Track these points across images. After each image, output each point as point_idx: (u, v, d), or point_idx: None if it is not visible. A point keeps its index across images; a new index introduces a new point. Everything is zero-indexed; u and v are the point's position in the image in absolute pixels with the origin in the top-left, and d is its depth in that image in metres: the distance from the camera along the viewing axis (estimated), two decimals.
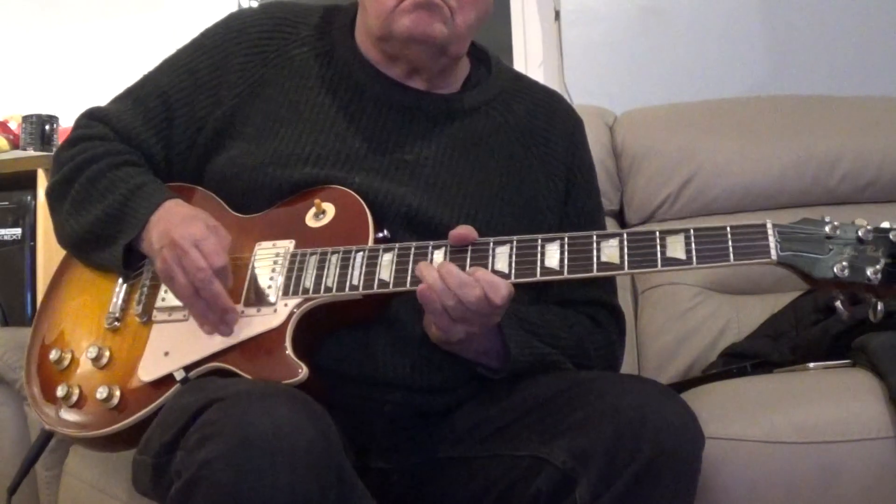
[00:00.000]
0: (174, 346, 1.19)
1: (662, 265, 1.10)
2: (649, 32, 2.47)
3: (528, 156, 1.38)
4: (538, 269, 1.13)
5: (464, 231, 1.17)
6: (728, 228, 1.09)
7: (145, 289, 1.26)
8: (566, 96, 1.53)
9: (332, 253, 1.20)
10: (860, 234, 1.06)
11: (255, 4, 2.99)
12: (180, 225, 1.19)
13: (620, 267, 1.11)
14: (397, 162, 1.30)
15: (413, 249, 1.18)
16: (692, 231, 1.10)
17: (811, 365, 1.52)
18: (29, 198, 2.36)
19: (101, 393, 1.19)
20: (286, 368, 1.13)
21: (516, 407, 1.20)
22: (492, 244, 1.16)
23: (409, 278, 1.16)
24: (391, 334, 1.23)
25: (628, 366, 1.64)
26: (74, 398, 1.21)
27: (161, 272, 1.20)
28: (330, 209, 1.25)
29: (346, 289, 1.17)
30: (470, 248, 1.16)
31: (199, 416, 1.01)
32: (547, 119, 1.42)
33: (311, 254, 1.21)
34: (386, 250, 1.18)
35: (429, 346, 1.21)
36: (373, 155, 1.29)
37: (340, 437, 1.05)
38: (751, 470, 1.27)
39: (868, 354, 1.39)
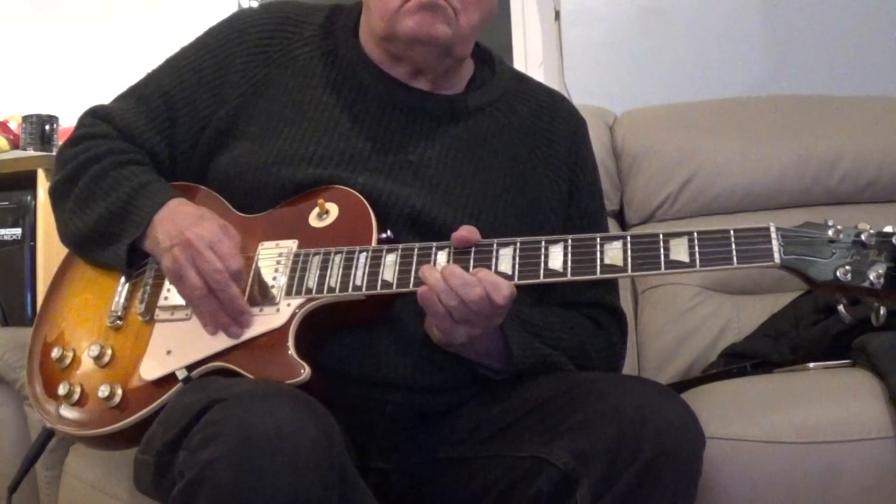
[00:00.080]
0: (176, 345, 1.19)
1: (666, 268, 1.10)
2: (649, 32, 2.47)
3: (532, 157, 1.38)
4: (541, 271, 1.13)
5: (466, 234, 1.17)
6: (732, 232, 1.09)
7: (148, 287, 1.26)
8: (566, 96, 1.52)
9: (336, 253, 1.20)
10: (863, 238, 1.06)
11: (255, 4, 2.99)
12: (194, 225, 1.19)
13: (624, 269, 1.11)
14: (401, 162, 1.30)
15: (416, 250, 1.18)
16: (696, 234, 1.11)
17: (811, 365, 1.53)
18: (29, 198, 2.36)
19: (103, 391, 1.19)
20: (288, 368, 1.13)
21: (517, 407, 1.20)
22: (495, 245, 1.16)
23: (412, 279, 1.16)
24: (393, 334, 1.22)
25: (628, 366, 1.64)
26: (76, 396, 1.21)
27: (170, 271, 1.19)
28: (333, 209, 1.25)
29: (350, 289, 1.17)
30: (473, 249, 1.16)
31: (201, 416, 1.01)
32: (550, 120, 1.42)
33: (315, 254, 1.21)
34: (389, 251, 1.18)
35: (430, 346, 1.21)
36: (376, 155, 1.29)
37: (342, 436, 1.05)
38: (751, 470, 1.27)
39: (868, 354, 1.39)
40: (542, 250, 1.14)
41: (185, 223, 1.20)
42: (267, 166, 1.28)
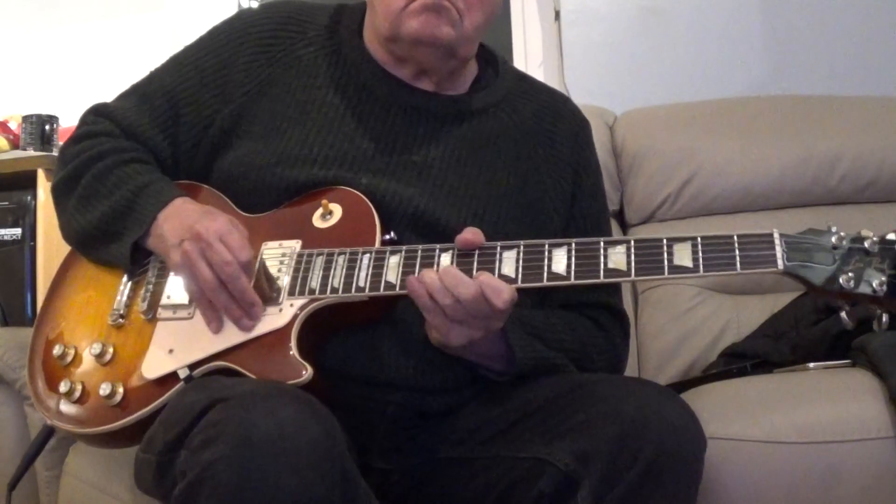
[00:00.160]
0: (178, 343, 1.19)
1: (669, 272, 1.10)
2: (649, 32, 2.47)
3: (535, 157, 1.38)
4: (545, 275, 1.13)
5: (470, 236, 1.16)
6: (735, 237, 1.10)
7: (150, 286, 1.26)
8: (567, 96, 1.53)
9: (339, 254, 1.20)
10: (866, 245, 1.06)
11: (255, 4, 2.99)
12: (202, 219, 1.19)
13: (627, 273, 1.11)
14: (405, 163, 1.30)
15: (420, 252, 1.17)
16: (699, 239, 1.11)
17: (811, 365, 1.53)
18: (29, 198, 2.36)
19: (104, 389, 1.19)
20: (291, 368, 1.13)
21: (518, 408, 1.19)
22: (499, 248, 1.16)
23: None
24: (396, 335, 1.22)
25: (628, 366, 1.64)
26: (77, 394, 1.21)
27: (179, 265, 1.19)
28: (337, 210, 1.25)
29: (353, 290, 1.17)
30: (477, 251, 1.16)
31: (203, 416, 1.01)
32: (553, 120, 1.42)
33: (318, 254, 1.21)
34: (393, 252, 1.18)
35: (432, 347, 1.21)
36: (380, 156, 1.29)
37: (343, 437, 1.05)
38: (751, 470, 1.27)
39: (868, 354, 1.39)
40: (546, 253, 1.14)
41: (192, 219, 1.20)
42: (271, 166, 1.28)
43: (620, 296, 1.45)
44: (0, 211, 2.37)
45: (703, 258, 1.09)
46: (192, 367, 1.17)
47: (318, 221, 1.25)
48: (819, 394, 1.36)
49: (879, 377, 1.33)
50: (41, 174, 2.33)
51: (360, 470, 1.09)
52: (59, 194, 1.34)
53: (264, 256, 1.23)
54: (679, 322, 1.90)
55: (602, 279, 1.12)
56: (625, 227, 2.08)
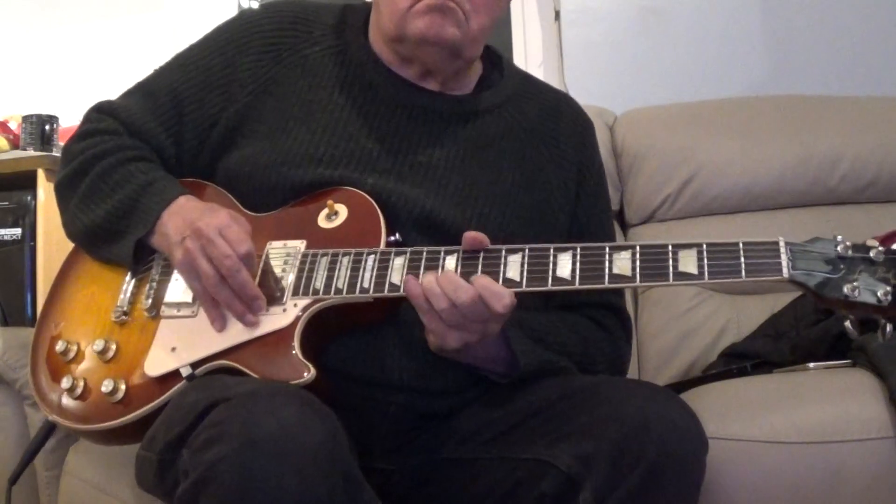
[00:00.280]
0: (181, 341, 1.19)
1: (674, 279, 1.10)
2: (649, 32, 2.47)
3: (540, 157, 1.38)
4: (549, 279, 1.13)
5: (479, 236, 1.16)
6: (741, 244, 1.10)
7: (154, 283, 1.26)
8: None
9: (344, 255, 1.19)
10: (872, 254, 1.06)
11: (255, 5, 2.99)
12: (204, 215, 1.19)
13: (632, 279, 1.11)
14: (410, 163, 1.29)
15: (425, 254, 1.17)
16: (705, 246, 1.11)
17: (811, 365, 1.52)
18: (29, 198, 2.36)
19: (107, 386, 1.18)
20: (293, 368, 1.13)
21: (520, 410, 1.19)
22: (504, 252, 1.16)
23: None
24: (399, 337, 1.22)
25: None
26: (79, 390, 1.21)
27: (182, 263, 1.19)
28: (342, 210, 1.24)
29: (357, 291, 1.16)
30: (482, 255, 1.16)
31: (205, 415, 1.01)
32: (558, 121, 1.42)
33: (323, 255, 1.21)
34: (398, 254, 1.18)
35: None
36: (386, 156, 1.29)
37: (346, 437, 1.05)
38: (751, 470, 1.27)
39: (868, 354, 1.39)
40: (551, 258, 1.14)
41: (194, 216, 1.20)
42: (276, 166, 1.28)
43: (623, 296, 1.45)
44: (0, 211, 2.37)
45: (708, 265, 1.09)
46: (194, 365, 1.17)
47: (323, 222, 1.25)
48: (819, 394, 1.36)
49: (879, 377, 1.33)
50: (41, 174, 2.33)
51: (361, 470, 1.09)
52: (62, 192, 1.34)
53: (269, 256, 1.23)
54: (679, 322, 1.90)
55: (607, 285, 1.12)
56: (625, 227, 2.08)
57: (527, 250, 1.15)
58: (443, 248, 1.17)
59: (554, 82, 2.44)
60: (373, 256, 1.18)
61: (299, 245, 1.23)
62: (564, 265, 1.13)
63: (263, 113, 1.32)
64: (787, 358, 1.63)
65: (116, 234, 1.27)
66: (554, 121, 1.41)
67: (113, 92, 1.41)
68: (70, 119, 2.54)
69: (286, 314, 1.17)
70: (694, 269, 1.10)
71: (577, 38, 2.50)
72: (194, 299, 1.21)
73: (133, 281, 1.28)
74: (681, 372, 1.86)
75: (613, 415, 1.08)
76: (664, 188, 2.03)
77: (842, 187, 2.00)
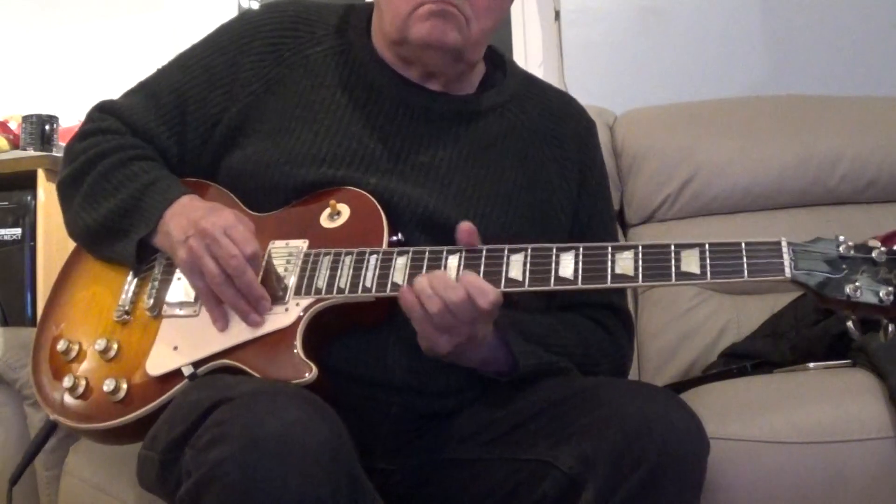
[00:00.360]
0: (183, 341, 1.19)
1: (677, 279, 1.10)
2: (649, 32, 2.48)
3: (542, 157, 1.38)
4: (552, 279, 1.13)
5: (472, 230, 1.16)
6: (743, 244, 1.10)
7: (156, 282, 1.26)
8: None
9: (346, 254, 1.19)
10: (874, 255, 1.06)
11: (255, 5, 2.99)
12: (209, 214, 1.19)
13: (635, 279, 1.11)
14: (413, 163, 1.29)
15: (427, 254, 1.17)
16: (707, 246, 1.11)
17: (811, 365, 1.52)
18: (29, 198, 2.36)
19: (108, 385, 1.18)
20: (295, 368, 1.13)
21: (522, 411, 1.19)
22: (506, 252, 1.16)
23: None
24: (401, 337, 1.22)
25: None
26: (81, 389, 1.21)
27: (186, 262, 1.19)
28: (345, 210, 1.24)
29: (359, 291, 1.16)
30: (484, 254, 1.16)
31: (208, 415, 1.01)
32: (560, 120, 1.42)
33: (325, 254, 1.21)
34: (400, 254, 1.18)
35: None
36: (388, 156, 1.29)
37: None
38: (750, 470, 1.27)
39: (868, 354, 1.39)
40: (554, 258, 1.14)
41: (197, 215, 1.20)
42: (279, 165, 1.28)
43: (626, 296, 1.45)
44: (0, 211, 2.37)
45: (710, 265, 1.09)
46: (196, 364, 1.17)
47: (325, 221, 1.25)
48: (819, 394, 1.36)
49: (879, 377, 1.33)
50: (41, 174, 2.33)
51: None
52: (64, 191, 1.34)
53: (271, 255, 1.23)
54: (679, 322, 1.90)
55: (609, 284, 1.12)
56: (625, 227, 2.08)
57: (529, 250, 1.15)
58: (445, 248, 1.17)
59: (554, 82, 2.43)
60: (375, 256, 1.18)
61: (302, 244, 1.23)
62: (567, 265, 1.13)
63: (266, 113, 1.32)
64: (787, 358, 1.63)
65: (119, 234, 1.27)
66: (556, 121, 1.41)
67: (113, 92, 1.41)
68: (70, 119, 2.54)
69: (288, 313, 1.17)
70: (696, 269, 1.10)
71: (577, 38, 2.50)
72: (196, 299, 1.21)
73: (135, 280, 1.28)
74: (681, 372, 1.86)
75: (615, 416, 1.08)
76: (664, 188, 2.03)
77: (842, 187, 2.00)
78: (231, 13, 2.90)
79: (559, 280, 1.13)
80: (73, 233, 1.34)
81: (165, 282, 1.25)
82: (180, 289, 1.23)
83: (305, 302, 1.18)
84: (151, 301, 1.24)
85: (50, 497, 1.56)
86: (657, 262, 1.11)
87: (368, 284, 1.16)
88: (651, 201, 2.04)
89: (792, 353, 1.63)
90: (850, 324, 1.09)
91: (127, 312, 1.25)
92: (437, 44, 1.27)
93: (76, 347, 1.25)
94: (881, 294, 1.04)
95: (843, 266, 1.07)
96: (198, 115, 1.33)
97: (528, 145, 1.37)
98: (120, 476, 1.39)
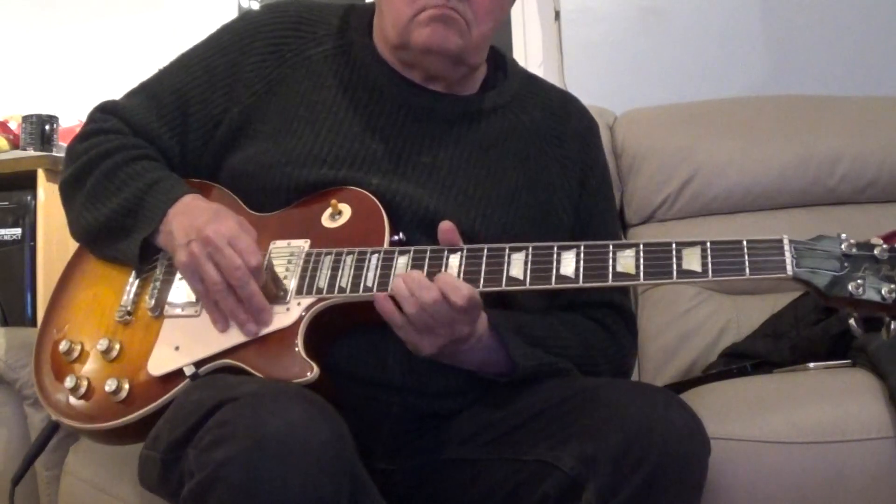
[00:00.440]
0: (185, 341, 1.19)
1: (678, 277, 1.10)
2: (649, 32, 2.48)
3: (544, 157, 1.38)
4: (553, 277, 1.13)
5: (450, 228, 1.17)
6: (744, 242, 1.10)
7: (158, 283, 1.26)
8: None
9: (347, 254, 1.20)
10: (876, 252, 1.06)
11: (255, 5, 2.99)
12: (212, 221, 1.19)
13: (636, 277, 1.12)
14: (414, 164, 1.30)
15: (429, 253, 1.17)
16: (709, 244, 1.11)
17: (811, 365, 1.52)
18: (29, 198, 2.36)
19: (110, 385, 1.19)
20: (297, 367, 1.13)
21: (523, 411, 1.19)
22: (508, 251, 1.16)
23: None
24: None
25: None
26: (83, 390, 1.21)
27: (186, 266, 1.19)
28: (346, 210, 1.25)
29: (360, 290, 1.17)
30: (486, 253, 1.16)
31: (211, 415, 1.01)
32: (562, 120, 1.42)
33: (326, 254, 1.21)
34: (401, 253, 1.18)
35: None
36: (390, 156, 1.29)
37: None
38: (750, 470, 1.27)
39: (868, 354, 1.39)
40: (555, 256, 1.14)
41: (201, 219, 1.20)
42: (280, 166, 1.28)
43: (628, 294, 1.45)
44: (0, 211, 2.37)
45: (711, 263, 1.10)
46: (198, 364, 1.17)
47: (327, 221, 1.25)
48: (819, 394, 1.36)
49: (879, 377, 1.33)
50: (41, 174, 2.33)
51: None
52: (67, 191, 1.34)
53: (272, 255, 1.23)
54: (679, 322, 1.90)
55: (610, 283, 1.12)
56: (625, 227, 2.08)
57: (530, 249, 1.15)
58: (446, 248, 1.18)
59: (554, 82, 2.43)
60: (376, 256, 1.18)
61: (303, 244, 1.23)
62: (568, 263, 1.14)
63: (267, 113, 1.32)
64: (787, 358, 1.63)
65: (122, 233, 1.27)
66: (558, 120, 1.42)
67: (113, 92, 1.41)
68: (70, 119, 2.54)
69: (290, 313, 1.18)
70: (698, 267, 1.10)
71: (577, 38, 2.50)
72: (198, 299, 1.21)
73: (137, 281, 1.28)
74: (681, 372, 1.86)
75: (616, 417, 1.08)
76: (664, 188, 2.03)
77: (842, 187, 2.00)
78: (231, 13, 2.90)
79: (560, 279, 1.13)
80: (75, 233, 1.34)
81: (167, 282, 1.25)
82: (182, 289, 1.23)
83: (307, 301, 1.18)
84: (153, 301, 1.24)
85: (50, 497, 1.56)
86: (658, 261, 1.11)
87: (370, 284, 1.16)
88: (651, 201, 2.04)
89: (792, 353, 1.63)
90: (852, 322, 1.08)
91: (129, 312, 1.25)
92: (439, 49, 1.27)
93: (78, 348, 1.25)
94: (884, 291, 1.04)
95: (846, 264, 1.07)
96: (199, 116, 1.33)
97: (529, 145, 1.37)
98: (120, 476, 1.39)
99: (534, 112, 1.40)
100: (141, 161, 1.30)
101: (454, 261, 1.16)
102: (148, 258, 1.28)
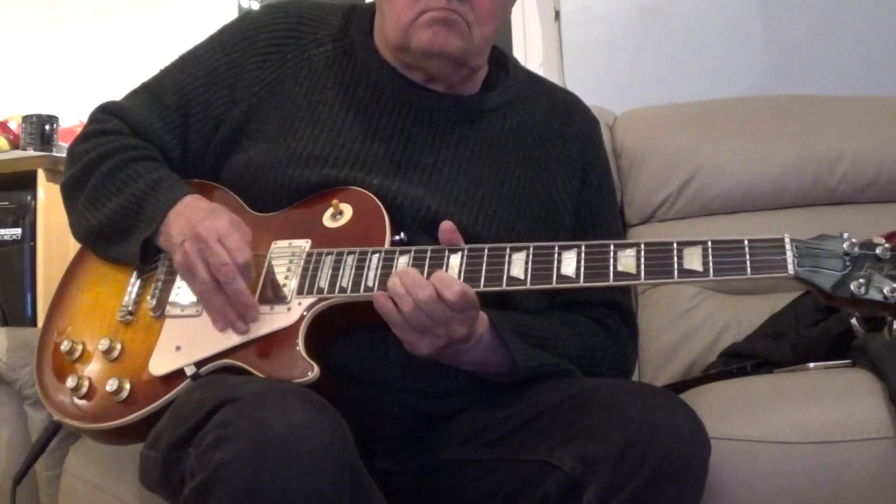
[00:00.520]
0: (186, 341, 1.20)
1: (679, 276, 1.10)
2: (649, 32, 2.48)
3: (546, 157, 1.38)
4: (554, 277, 1.13)
5: (451, 228, 1.17)
6: (746, 242, 1.10)
7: (159, 283, 1.26)
8: None
9: (348, 254, 1.20)
10: (878, 252, 1.06)
11: (255, 5, 2.99)
12: (205, 219, 1.19)
13: (637, 277, 1.11)
14: (416, 164, 1.30)
15: (429, 253, 1.18)
16: (710, 243, 1.11)
17: (811, 365, 1.52)
18: (29, 198, 2.36)
19: (111, 385, 1.19)
20: (297, 367, 1.13)
21: (524, 412, 1.19)
22: (508, 250, 1.16)
23: None
24: None
25: None
26: (84, 389, 1.21)
27: (181, 265, 1.19)
28: (347, 210, 1.25)
29: (361, 290, 1.17)
30: (486, 253, 1.16)
31: (212, 415, 1.01)
32: (564, 120, 1.42)
33: (327, 254, 1.21)
34: (402, 253, 1.18)
35: None
36: (391, 157, 1.29)
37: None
38: (750, 470, 1.27)
39: (868, 354, 1.39)
40: (556, 256, 1.14)
41: (196, 218, 1.20)
42: (282, 166, 1.28)
43: (629, 294, 1.45)
44: (0, 211, 2.37)
45: (713, 263, 1.09)
46: (199, 364, 1.17)
47: (328, 221, 1.25)
48: (819, 394, 1.36)
49: (879, 377, 1.33)
50: (41, 174, 2.33)
51: None
52: (68, 192, 1.34)
53: (273, 255, 1.23)
54: (679, 322, 1.90)
55: (611, 282, 1.12)
56: (625, 227, 2.08)
57: (531, 248, 1.15)
58: (447, 248, 1.18)
59: (554, 82, 2.44)
60: (377, 255, 1.19)
61: (304, 244, 1.23)
62: (569, 263, 1.14)
63: (269, 114, 1.32)
64: (787, 358, 1.63)
65: (123, 234, 1.27)
66: (560, 120, 1.41)
67: (113, 92, 1.42)
68: (70, 119, 2.54)
69: (290, 313, 1.18)
70: (699, 267, 1.10)
71: (577, 38, 2.50)
72: (199, 299, 1.21)
73: (138, 281, 1.28)
74: (681, 372, 1.86)
75: (617, 417, 1.08)
76: (664, 188, 2.03)
77: (842, 187, 2.00)
78: (231, 13, 2.90)
79: (561, 278, 1.13)
80: (77, 234, 1.35)
81: (168, 282, 1.25)
82: (184, 289, 1.23)
83: (308, 301, 1.18)
84: (154, 301, 1.24)
85: (50, 497, 1.56)
86: (659, 260, 1.11)
87: (370, 284, 1.16)
88: (651, 201, 2.04)
89: (792, 352, 1.63)
90: (854, 321, 1.08)
91: (130, 313, 1.25)
92: (440, 52, 1.27)
93: (80, 348, 1.25)
94: (886, 291, 1.04)
95: (848, 263, 1.07)
96: (200, 117, 1.34)
97: (531, 145, 1.37)
98: (120, 476, 1.39)
99: (535, 111, 1.40)
100: (142, 162, 1.30)
101: (455, 261, 1.16)
102: (149, 259, 1.28)
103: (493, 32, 1.31)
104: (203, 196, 1.28)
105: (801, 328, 1.66)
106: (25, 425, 1.60)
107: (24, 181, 2.35)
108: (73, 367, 1.24)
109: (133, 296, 1.27)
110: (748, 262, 1.08)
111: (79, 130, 1.40)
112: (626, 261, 1.12)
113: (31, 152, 2.47)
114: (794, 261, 1.07)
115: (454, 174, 1.30)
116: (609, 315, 1.37)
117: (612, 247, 1.13)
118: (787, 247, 1.08)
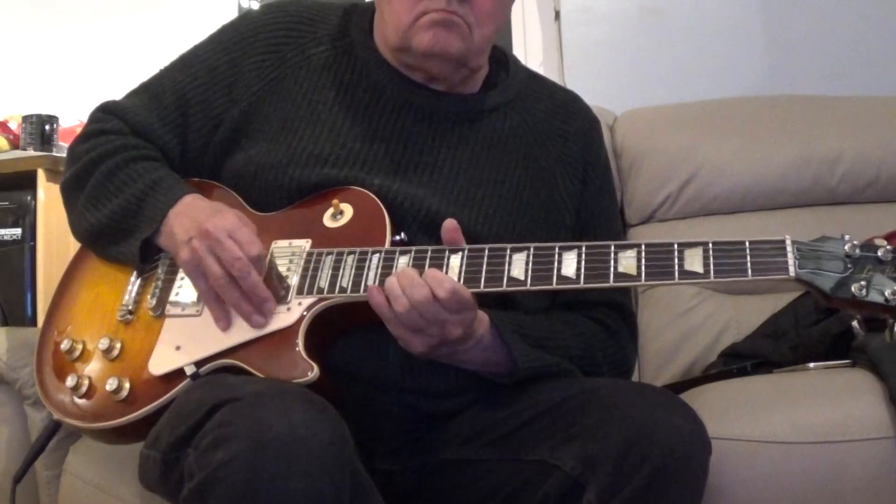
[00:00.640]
0: (186, 340, 1.20)
1: (680, 278, 1.10)
2: (649, 32, 2.48)
3: (546, 156, 1.38)
4: (554, 278, 1.13)
5: (454, 227, 1.17)
6: (747, 243, 1.09)
7: (160, 282, 1.26)
8: None
9: (349, 254, 1.20)
10: (879, 254, 1.06)
11: (255, 5, 2.99)
12: (212, 216, 1.19)
13: (637, 278, 1.11)
14: (416, 164, 1.29)
15: (430, 253, 1.17)
16: (711, 244, 1.11)
17: (811, 365, 1.52)
18: (29, 198, 2.36)
19: (111, 385, 1.19)
20: (297, 367, 1.13)
21: (525, 411, 1.19)
22: (509, 251, 1.16)
23: None
24: None
25: None
26: (84, 389, 1.21)
27: (188, 262, 1.19)
28: (348, 210, 1.25)
29: (361, 290, 1.17)
30: (487, 254, 1.16)
31: (212, 415, 1.01)
32: (564, 119, 1.42)
33: (328, 254, 1.21)
34: (402, 253, 1.18)
35: None
36: (392, 156, 1.29)
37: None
38: (750, 470, 1.27)
39: (868, 354, 1.39)
40: (556, 256, 1.14)
41: (201, 216, 1.20)
42: (282, 166, 1.28)
43: (630, 294, 1.45)
44: (0, 211, 2.37)
45: (714, 264, 1.09)
46: (198, 364, 1.17)
47: (328, 221, 1.25)
48: (819, 394, 1.36)
49: (879, 377, 1.33)
50: (41, 174, 2.33)
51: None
52: (68, 192, 1.34)
53: (274, 255, 1.23)
54: (679, 322, 1.90)
55: (612, 283, 1.12)
56: (625, 227, 2.08)
57: (532, 249, 1.15)
58: (447, 248, 1.18)
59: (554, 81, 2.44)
60: (377, 255, 1.19)
61: (304, 244, 1.23)
62: (569, 264, 1.13)
63: (269, 113, 1.32)
64: (787, 358, 1.63)
65: (123, 234, 1.27)
66: (560, 119, 1.41)
67: (113, 92, 1.41)
68: (70, 119, 2.54)
69: (290, 313, 1.18)
70: (700, 268, 1.09)
71: (577, 38, 2.50)
72: (199, 298, 1.22)
73: (138, 280, 1.28)
74: (681, 372, 1.86)
75: (619, 418, 1.08)
76: (664, 188, 2.03)
77: (842, 187, 2.00)
78: (231, 13, 2.90)
79: (561, 279, 1.13)
80: (77, 233, 1.35)
81: (169, 281, 1.25)
82: (184, 289, 1.24)
83: (308, 301, 1.18)
84: (154, 301, 1.24)
85: (50, 496, 1.56)
86: (660, 261, 1.11)
87: (371, 284, 1.16)
88: (651, 201, 2.04)
89: (792, 353, 1.63)
90: (855, 323, 1.08)
91: (130, 312, 1.25)
92: (441, 53, 1.27)
93: (80, 347, 1.25)
94: (887, 293, 1.04)
95: (849, 265, 1.06)
96: (200, 116, 1.34)
97: (531, 144, 1.37)
98: (120, 476, 1.39)
99: (536, 111, 1.40)
100: (142, 161, 1.30)
101: (455, 261, 1.16)
102: (149, 259, 1.28)
103: (494, 33, 1.31)
104: (203, 195, 1.28)
105: (801, 328, 1.66)
106: (25, 425, 1.60)
107: (24, 181, 2.35)
108: (73, 367, 1.24)
109: (133, 295, 1.27)
110: (749, 264, 1.08)
111: (79, 130, 1.40)
112: (627, 262, 1.12)
113: (31, 152, 2.47)
114: (795, 262, 1.07)
115: (454, 174, 1.30)
116: (610, 315, 1.37)
117: (612, 248, 1.13)
118: (789, 248, 1.08)
